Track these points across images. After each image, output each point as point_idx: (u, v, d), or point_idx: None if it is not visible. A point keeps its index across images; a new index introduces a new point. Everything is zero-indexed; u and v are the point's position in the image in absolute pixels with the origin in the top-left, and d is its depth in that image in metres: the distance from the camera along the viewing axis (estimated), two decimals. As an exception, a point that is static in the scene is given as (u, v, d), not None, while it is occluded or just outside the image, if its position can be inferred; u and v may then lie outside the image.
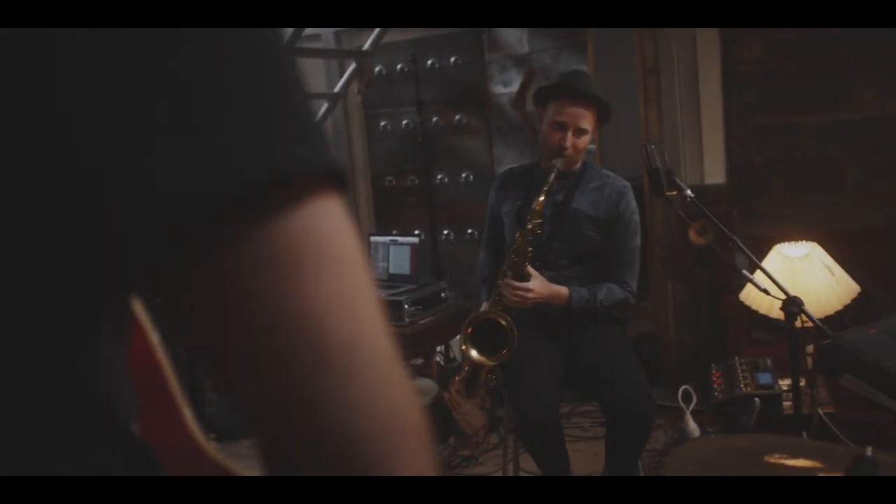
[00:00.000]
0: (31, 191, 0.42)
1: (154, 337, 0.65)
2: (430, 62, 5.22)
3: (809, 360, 2.99)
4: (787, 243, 3.02)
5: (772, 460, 1.18)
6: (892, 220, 4.21)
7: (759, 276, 2.58)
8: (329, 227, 0.48)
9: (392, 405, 0.50)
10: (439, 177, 5.36)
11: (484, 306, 3.08)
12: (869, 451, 1.03)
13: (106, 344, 0.51)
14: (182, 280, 0.45)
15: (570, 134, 2.89)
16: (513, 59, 5.08)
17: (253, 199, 0.44)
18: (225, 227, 0.44)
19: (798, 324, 2.43)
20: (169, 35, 0.41)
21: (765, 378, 3.06)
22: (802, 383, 2.53)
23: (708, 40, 4.40)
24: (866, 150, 4.28)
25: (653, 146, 2.65)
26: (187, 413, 0.74)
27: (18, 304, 0.45)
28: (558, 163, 2.89)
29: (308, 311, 0.46)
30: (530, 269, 2.90)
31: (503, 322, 2.85)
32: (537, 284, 2.88)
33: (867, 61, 4.21)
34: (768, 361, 3.22)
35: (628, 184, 3.09)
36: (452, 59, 5.21)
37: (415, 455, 0.50)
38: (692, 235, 4.15)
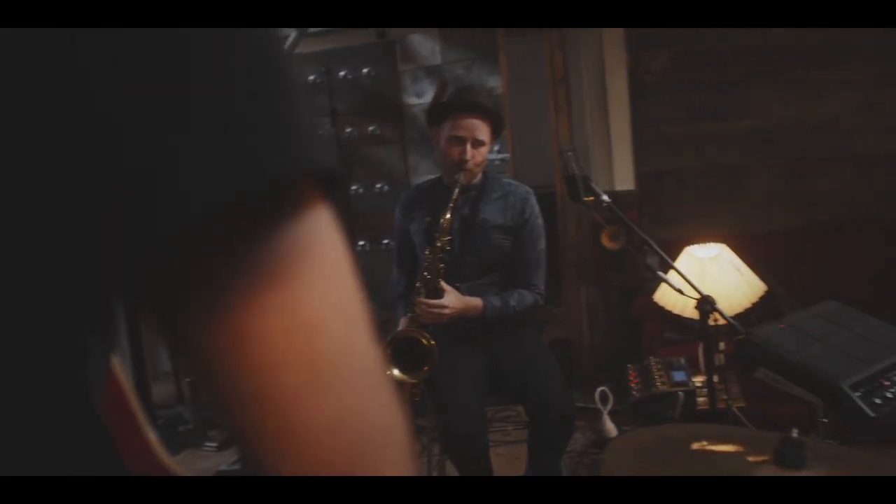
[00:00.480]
0: (31, 191, 0.42)
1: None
2: (342, 73, 5.22)
3: (722, 357, 3.11)
4: (696, 245, 3.13)
5: (700, 447, 1.23)
6: (793, 223, 4.42)
7: (672, 277, 2.66)
8: (324, 235, 0.48)
9: (381, 415, 0.50)
10: (354, 187, 5.36)
11: (402, 322, 3.09)
12: (794, 433, 1.09)
13: (94, 351, 0.51)
14: (182, 280, 0.45)
15: (468, 147, 2.95)
16: (425, 70, 5.12)
17: (256, 202, 0.43)
18: (226, 229, 0.44)
19: (711, 322, 2.52)
20: (169, 35, 0.41)
21: (679, 376, 3.17)
22: (716, 379, 2.63)
23: (615, 51, 4.53)
24: (769, 156, 4.48)
25: (570, 153, 2.71)
26: (149, 432, 0.73)
27: (16, 305, 0.44)
28: (461, 177, 2.94)
29: (302, 320, 0.46)
30: (444, 284, 2.94)
31: (423, 340, 2.87)
32: (452, 300, 2.92)
33: (767, 71, 4.41)
34: (682, 360, 3.33)
35: (530, 189, 3.17)
36: (365, 70, 5.22)
37: (399, 464, 0.51)
38: (605, 241, 4.25)
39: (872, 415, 1.90)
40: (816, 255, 4.21)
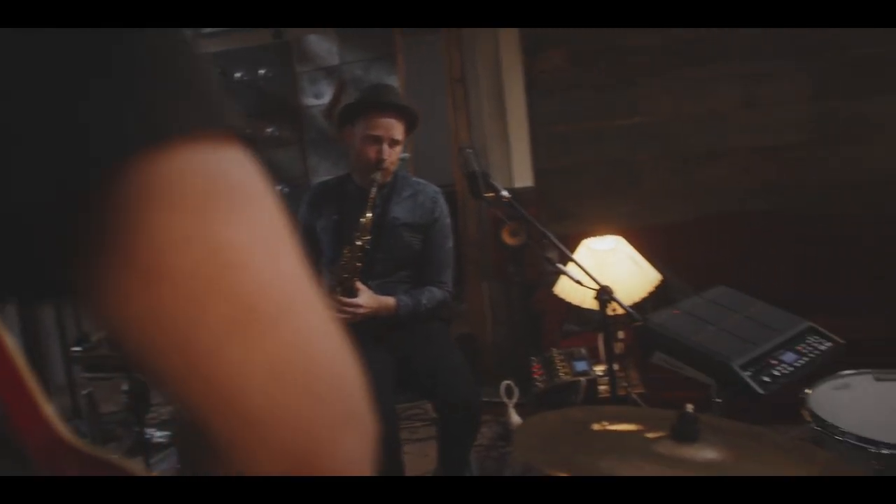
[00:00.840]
0: None
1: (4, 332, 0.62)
2: (238, 75, 5.15)
3: (621, 346, 3.22)
4: (594, 238, 3.22)
5: (600, 427, 1.28)
6: (685, 216, 4.59)
7: (572, 269, 2.73)
8: (237, 169, 0.47)
9: (327, 358, 0.47)
10: (253, 190, 5.28)
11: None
12: (689, 408, 1.15)
13: None
14: (84, 228, 0.43)
15: (385, 146, 2.96)
16: (323, 70, 5.10)
17: (161, 143, 0.43)
18: (138, 163, 0.42)
19: (609, 311, 2.61)
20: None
21: (581, 365, 3.25)
22: (616, 367, 2.72)
23: (510, 50, 4.62)
24: (661, 151, 4.64)
25: (470, 150, 2.76)
26: (47, 407, 0.71)
27: None
28: (378, 176, 2.95)
29: (219, 251, 0.44)
30: (359, 283, 2.94)
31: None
32: (366, 298, 2.93)
33: (655, 69, 4.57)
34: (583, 350, 3.42)
35: (439, 189, 3.21)
36: (261, 72, 5.17)
37: (359, 421, 0.48)
38: (505, 237, 4.32)
39: (762, 392, 2.00)
40: (706, 244, 4.39)
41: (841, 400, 2.22)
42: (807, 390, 2.24)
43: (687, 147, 4.62)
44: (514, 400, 4.07)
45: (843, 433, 1.99)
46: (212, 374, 0.43)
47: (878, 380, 2.33)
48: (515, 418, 4.06)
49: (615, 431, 1.22)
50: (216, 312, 0.43)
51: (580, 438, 1.18)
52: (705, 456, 1.11)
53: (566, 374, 3.26)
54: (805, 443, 1.46)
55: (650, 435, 1.16)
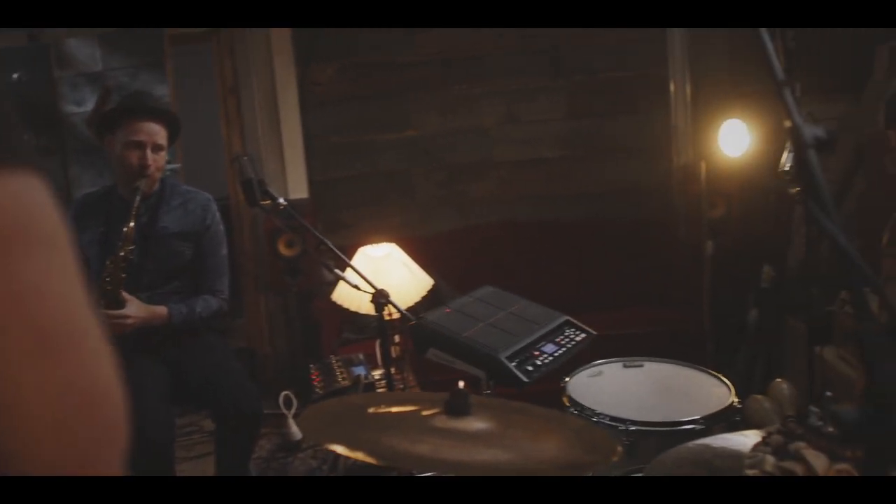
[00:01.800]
0: None
1: None
2: (-13, 78, 4.79)
3: (397, 349, 3.32)
4: (369, 245, 3.32)
5: (376, 410, 1.36)
6: (455, 225, 4.81)
7: (349, 275, 2.80)
8: (35, 209, 0.50)
9: (104, 378, 0.52)
10: (7, 202, 4.92)
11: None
12: (461, 384, 1.25)
13: None
14: None
15: (149, 152, 2.89)
16: (86, 76, 4.85)
17: None
18: None
19: (386, 315, 2.70)
20: None
21: (359, 370, 3.32)
22: (393, 370, 2.82)
23: (284, 62, 4.64)
24: (432, 164, 4.84)
25: (245, 157, 2.75)
26: None
27: None
28: (142, 184, 2.88)
29: (21, 285, 0.47)
30: (125, 294, 2.85)
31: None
32: (134, 309, 2.84)
33: (425, 84, 4.76)
34: (361, 356, 3.50)
35: (210, 197, 3.17)
36: (16, 76, 4.84)
37: (120, 429, 0.54)
38: (281, 248, 4.32)
39: (526, 380, 2.17)
40: (474, 252, 4.63)
41: (595, 385, 2.46)
42: (566, 378, 2.46)
43: (456, 160, 4.85)
44: (294, 410, 4.08)
45: (598, 414, 2.20)
46: (7, 396, 0.47)
47: (626, 367, 2.59)
48: (295, 429, 4.07)
49: (393, 413, 1.30)
50: (16, 341, 0.47)
51: (361, 420, 1.25)
52: (477, 427, 1.21)
53: (344, 379, 3.32)
54: (560, 412, 1.63)
55: (426, 413, 1.25)
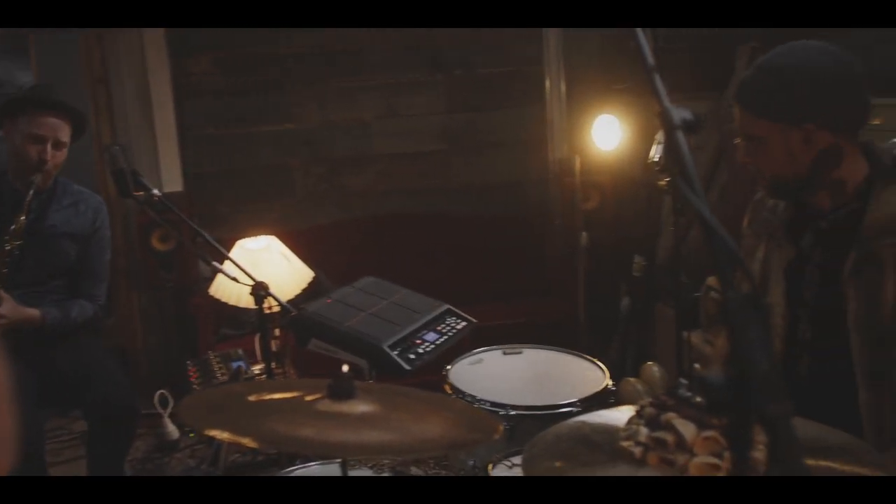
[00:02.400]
0: None
1: None
2: None
3: (277, 343, 3.28)
4: (247, 238, 3.27)
5: (258, 397, 1.35)
6: (335, 218, 4.79)
7: (228, 267, 2.76)
8: None
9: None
10: None
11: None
12: (345, 368, 1.25)
13: None
14: None
15: (49, 147, 2.79)
16: (-63, 62, 4.58)
17: None
18: None
19: (266, 308, 2.67)
20: None
21: (238, 366, 3.27)
22: (274, 365, 2.79)
23: (156, 52, 4.49)
24: (311, 157, 4.79)
25: (117, 147, 2.67)
26: None
27: None
28: (37, 178, 2.77)
29: None
30: (1, 292, 2.71)
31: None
32: (8, 308, 2.71)
33: (308, 77, 4.71)
34: (240, 351, 3.44)
35: (102, 200, 3.09)
36: None
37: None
38: (155, 242, 4.19)
39: (408, 368, 2.19)
40: (354, 245, 4.62)
41: (476, 373, 2.50)
42: (447, 366, 2.49)
43: (336, 153, 4.82)
44: (170, 409, 3.97)
45: (479, 400, 2.24)
46: None
47: (505, 354, 2.65)
48: (171, 428, 3.96)
49: (276, 399, 1.29)
50: None
51: (243, 407, 1.23)
52: (362, 409, 1.22)
53: (223, 374, 3.26)
54: (443, 395, 1.66)
55: (309, 398, 1.25)
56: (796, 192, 1.88)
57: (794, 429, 0.76)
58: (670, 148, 0.94)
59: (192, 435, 3.92)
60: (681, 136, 0.93)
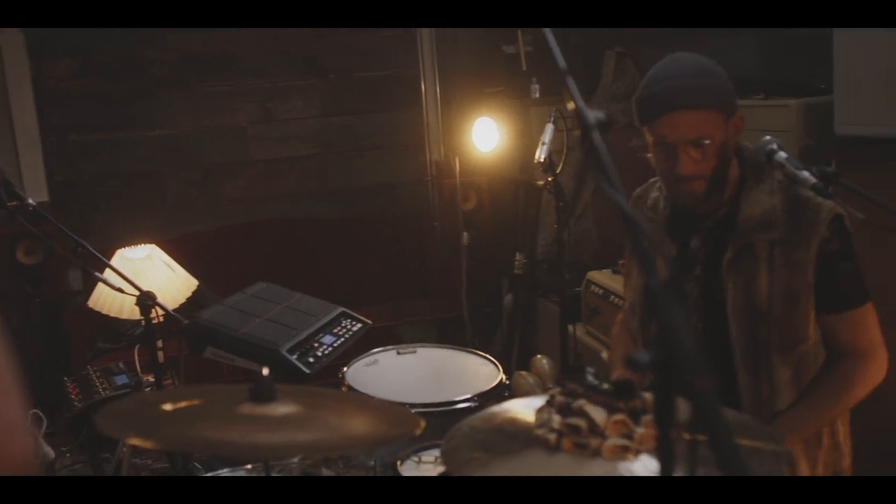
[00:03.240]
0: None
1: None
2: None
3: (161, 355, 3.19)
4: (127, 248, 3.16)
5: (172, 405, 1.33)
6: (208, 225, 4.68)
7: (111, 277, 2.66)
8: None
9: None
10: None
11: None
12: (265, 371, 1.25)
13: None
14: None
15: None
16: None
17: None
18: None
19: (153, 318, 2.60)
20: None
21: (122, 379, 3.17)
22: (162, 376, 2.72)
23: (16, 57, 4.28)
24: (184, 164, 4.67)
25: (-12, 155, 2.54)
26: None
27: None
28: None
29: None
30: None
31: None
32: None
33: (178, 81, 4.59)
34: (121, 365, 3.33)
35: None
36: None
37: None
38: (20, 255, 4.00)
39: (308, 371, 2.19)
40: (231, 252, 4.54)
41: (373, 373, 2.52)
42: (344, 368, 2.50)
43: (210, 159, 4.72)
44: (43, 429, 3.79)
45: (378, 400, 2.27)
46: None
47: (399, 354, 2.69)
48: (46, 449, 3.77)
49: (195, 405, 1.28)
50: None
51: (161, 415, 1.22)
52: (284, 411, 1.22)
53: (106, 389, 3.15)
54: (359, 393, 1.67)
55: (231, 403, 1.24)
56: (716, 192, 1.91)
57: (718, 401, 0.83)
58: (587, 147, 0.99)
59: (68, 455, 3.76)
60: (597, 136, 0.99)
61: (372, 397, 1.91)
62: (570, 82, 1.04)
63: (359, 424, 1.23)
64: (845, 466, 1.99)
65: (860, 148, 2.43)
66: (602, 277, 3.46)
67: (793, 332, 1.88)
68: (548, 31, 1.08)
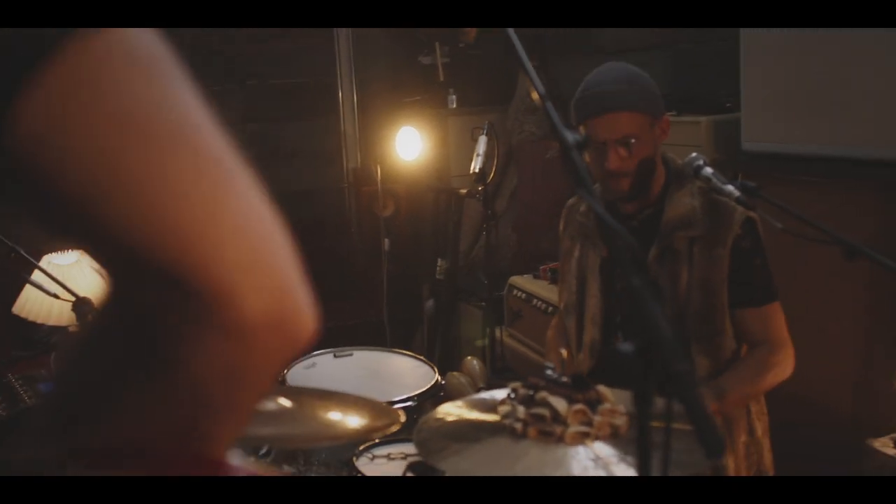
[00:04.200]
0: None
1: None
2: None
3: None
4: (56, 253, 3.14)
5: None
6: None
7: (47, 284, 2.66)
8: (145, 44, 0.50)
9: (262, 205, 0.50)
10: None
11: None
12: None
13: None
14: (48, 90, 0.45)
15: None
16: None
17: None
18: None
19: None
20: None
21: (47, 387, 3.13)
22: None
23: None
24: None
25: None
26: None
27: None
28: None
29: (180, 107, 0.49)
30: None
31: None
32: None
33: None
34: (43, 372, 3.28)
35: None
36: None
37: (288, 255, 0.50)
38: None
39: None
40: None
41: (312, 376, 2.59)
42: (284, 371, 2.56)
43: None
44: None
45: (322, 401, 2.35)
46: (200, 223, 0.47)
47: (336, 357, 2.76)
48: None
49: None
50: (192, 168, 0.48)
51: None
52: (272, 407, 1.30)
53: (31, 398, 3.11)
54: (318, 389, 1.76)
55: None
56: (642, 191, 2.12)
57: (696, 384, 0.97)
58: (568, 165, 1.12)
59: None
60: (577, 155, 1.12)
61: (347, 394, 1.98)
62: (550, 107, 1.16)
63: (350, 418, 1.31)
64: (767, 463, 2.17)
65: (766, 163, 2.65)
66: (524, 282, 3.62)
67: (710, 324, 2.07)
68: (523, 55, 1.18)
